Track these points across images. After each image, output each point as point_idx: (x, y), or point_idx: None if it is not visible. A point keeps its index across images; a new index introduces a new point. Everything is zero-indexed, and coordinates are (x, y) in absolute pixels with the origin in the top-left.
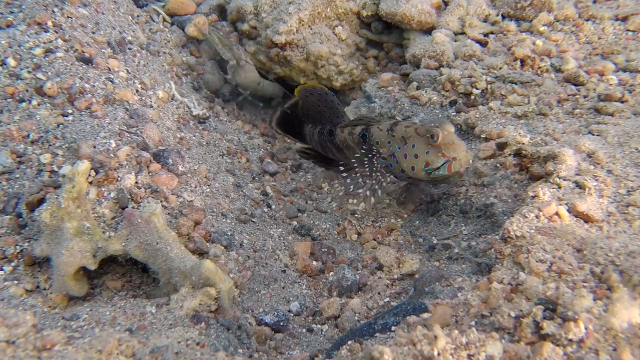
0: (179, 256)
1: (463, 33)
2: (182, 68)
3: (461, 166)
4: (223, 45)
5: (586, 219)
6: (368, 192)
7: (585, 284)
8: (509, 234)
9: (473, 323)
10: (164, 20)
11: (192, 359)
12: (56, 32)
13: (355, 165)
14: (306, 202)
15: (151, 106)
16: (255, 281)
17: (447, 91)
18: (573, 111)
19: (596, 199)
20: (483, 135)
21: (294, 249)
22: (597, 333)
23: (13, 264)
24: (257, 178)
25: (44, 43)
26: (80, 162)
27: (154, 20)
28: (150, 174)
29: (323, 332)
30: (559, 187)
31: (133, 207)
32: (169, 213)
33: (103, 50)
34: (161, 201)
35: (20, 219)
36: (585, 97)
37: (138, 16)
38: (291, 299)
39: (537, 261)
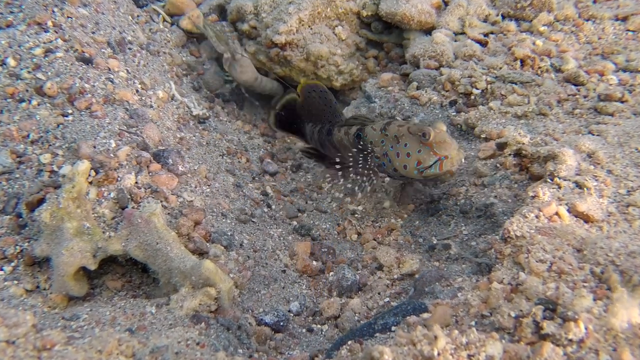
0: (179, 256)
1: (463, 33)
2: (182, 68)
3: (452, 165)
4: (219, 39)
5: (586, 219)
6: (357, 188)
7: (585, 284)
8: (509, 234)
9: (473, 323)
10: (164, 20)
11: (192, 359)
12: (56, 32)
13: (350, 162)
14: (306, 202)
15: (151, 106)
16: (255, 281)
17: (447, 91)
18: (573, 111)
19: (596, 199)
20: (483, 135)
21: (294, 249)
22: (597, 333)
23: (13, 264)
24: (257, 178)
25: (44, 43)
26: (80, 162)
27: (154, 20)
28: (150, 174)
29: (323, 332)
30: (559, 187)
31: (133, 207)
32: (169, 213)
33: (103, 50)
34: (161, 201)
35: (20, 219)
36: (585, 97)
37: (138, 16)
38: (291, 299)
39: (537, 261)
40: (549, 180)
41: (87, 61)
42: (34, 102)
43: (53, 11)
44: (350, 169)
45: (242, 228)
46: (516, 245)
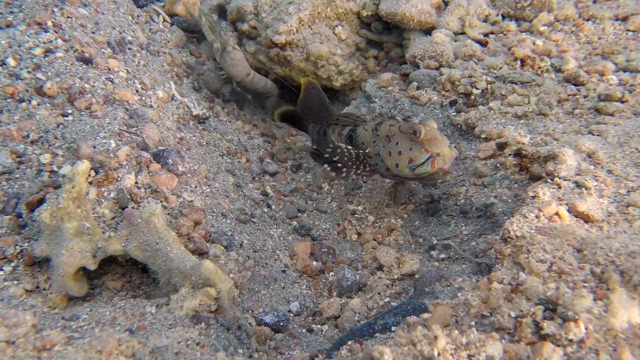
0: (179, 256)
1: (463, 33)
2: (182, 68)
3: (444, 162)
4: (212, 29)
5: (586, 219)
6: (335, 173)
7: (585, 284)
8: (509, 234)
9: (473, 323)
10: (164, 20)
11: (192, 359)
12: (56, 32)
13: (343, 158)
14: (306, 202)
15: (151, 106)
16: (255, 281)
17: (447, 91)
18: (573, 111)
19: (596, 199)
20: (483, 135)
21: (294, 249)
22: (597, 333)
23: (13, 264)
24: (257, 178)
25: (44, 43)
26: (80, 162)
27: (154, 20)
28: (150, 174)
29: (323, 332)
30: (559, 187)
31: (133, 207)
32: (168, 213)
33: (103, 50)
34: (161, 201)
35: (20, 219)
36: (585, 97)
37: (138, 16)
38: (291, 299)
39: (537, 261)
40: (549, 180)
41: (87, 61)
42: (34, 102)
43: (53, 11)
44: (341, 165)
45: (242, 228)
46: (516, 245)
